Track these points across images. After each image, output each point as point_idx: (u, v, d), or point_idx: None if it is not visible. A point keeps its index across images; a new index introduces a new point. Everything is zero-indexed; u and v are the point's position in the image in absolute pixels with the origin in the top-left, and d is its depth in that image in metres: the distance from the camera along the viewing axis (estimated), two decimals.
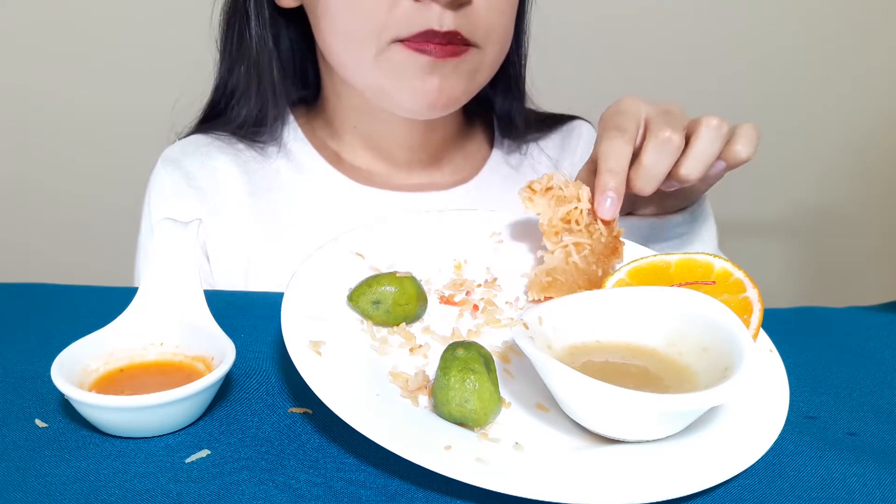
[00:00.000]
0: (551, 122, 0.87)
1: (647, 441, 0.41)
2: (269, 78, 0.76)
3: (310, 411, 0.44)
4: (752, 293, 0.47)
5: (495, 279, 0.54)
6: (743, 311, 0.46)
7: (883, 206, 1.63)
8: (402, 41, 0.65)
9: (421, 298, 0.49)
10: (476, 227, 0.57)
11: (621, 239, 0.55)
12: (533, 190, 0.54)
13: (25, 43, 1.40)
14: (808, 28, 1.52)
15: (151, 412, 0.40)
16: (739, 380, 0.39)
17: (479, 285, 0.54)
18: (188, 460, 0.40)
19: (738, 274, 0.48)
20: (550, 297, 0.51)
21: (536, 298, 0.52)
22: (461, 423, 0.41)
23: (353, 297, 0.48)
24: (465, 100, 0.71)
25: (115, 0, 1.38)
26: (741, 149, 0.57)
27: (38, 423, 0.42)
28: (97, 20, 1.39)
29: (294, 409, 0.44)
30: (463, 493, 0.37)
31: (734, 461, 0.39)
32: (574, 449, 0.41)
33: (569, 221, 0.53)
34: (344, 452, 0.41)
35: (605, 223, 0.54)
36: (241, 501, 0.37)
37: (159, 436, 0.41)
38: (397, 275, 0.48)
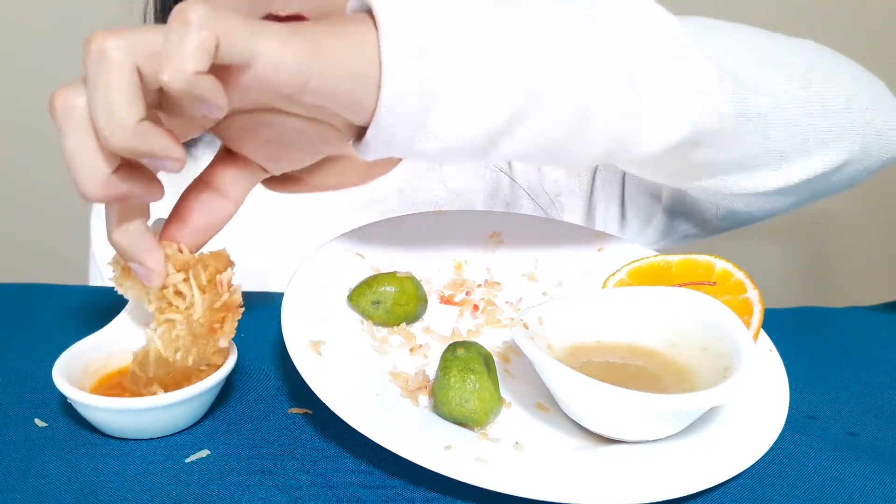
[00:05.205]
0: None
1: (647, 441, 0.41)
2: None
3: (310, 412, 0.44)
4: (753, 294, 0.47)
5: (496, 280, 0.54)
6: (743, 311, 0.46)
7: (883, 206, 1.63)
8: None
9: (421, 298, 0.49)
10: (476, 227, 0.57)
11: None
12: (123, 268, 0.42)
13: (25, 34, 1.40)
14: (806, 25, 1.52)
15: (152, 414, 0.40)
16: (739, 380, 0.39)
17: (479, 285, 0.54)
18: (188, 460, 0.40)
19: (739, 275, 0.48)
20: (131, 394, 0.42)
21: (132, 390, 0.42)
22: (461, 423, 0.41)
23: (353, 297, 0.48)
24: None
25: None
26: (163, 71, 0.33)
27: (38, 422, 0.42)
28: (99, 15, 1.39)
29: (294, 410, 0.44)
30: (463, 493, 0.37)
31: (734, 461, 0.39)
32: (574, 449, 0.41)
33: (168, 298, 0.41)
34: (344, 452, 0.41)
35: (208, 288, 0.41)
36: (241, 501, 0.37)
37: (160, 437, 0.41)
38: (397, 275, 0.48)
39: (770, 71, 0.48)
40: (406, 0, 0.39)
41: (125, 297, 0.42)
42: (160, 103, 0.37)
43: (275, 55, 0.35)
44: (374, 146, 0.41)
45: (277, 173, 0.45)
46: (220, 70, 0.35)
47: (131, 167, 0.37)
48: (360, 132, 0.43)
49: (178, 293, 0.41)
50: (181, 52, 0.33)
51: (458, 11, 0.40)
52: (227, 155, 0.44)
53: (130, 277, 0.42)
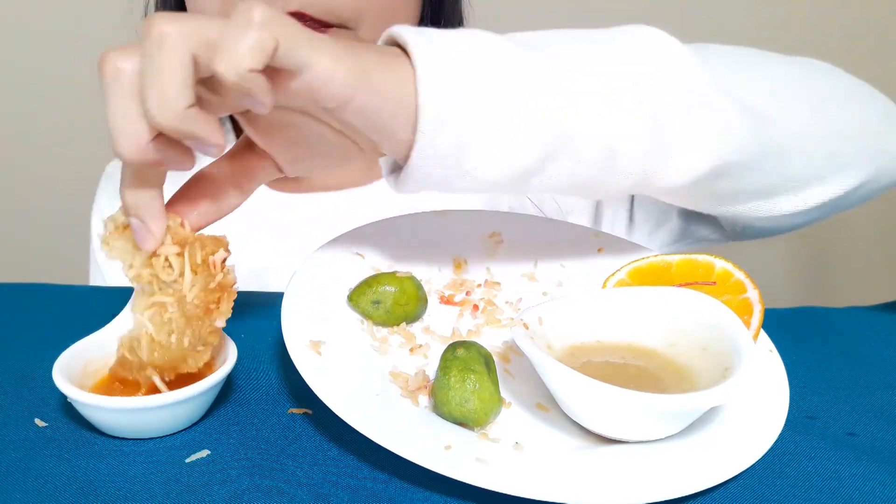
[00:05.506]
0: None
1: (647, 441, 0.41)
2: None
3: (310, 412, 0.44)
4: (753, 294, 0.47)
5: (496, 280, 0.54)
6: (743, 311, 0.46)
7: (883, 206, 1.63)
8: None
9: (421, 298, 0.49)
10: (476, 227, 0.57)
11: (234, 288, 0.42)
12: (117, 227, 0.41)
13: (25, 34, 1.40)
14: (805, 27, 1.52)
15: (152, 414, 0.40)
16: (739, 380, 0.39)
17: (479, 285, 0.54)
18: (188, 460, 0.40)
19: (739, 275, 0.48)
20: (125, 379, 0.42)
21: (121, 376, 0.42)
22: (461, 423, 0.41)
23: (353, 297, 0.48)
24: None
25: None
26: (219, 62, 0.34)
27: (38, 422, 0.42)
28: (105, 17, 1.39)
29: (294, 410, 0.44)
30: (463, 493, 0.37)
31: (734, 461, 0.39)
32: (574, 449, 0.41)
33: (156, 270, 0.40)
34: (344, 452, 0.41)
35: (201, 269, 0.41)
36: (241, 501, 0.37)
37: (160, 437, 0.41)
38: (397, 275, 0.48)
39: (786, 100, 0.49)
40: (440, 43, 0.40)
41: (108, 256, 0.41)
42: (205, 80, 0.38)
43: (327, 68, 0.37)
44: (411, 183, 0.43)
45: (292, 175, 0.46)
46: (272, 71, 0.36)
47: (169, 136, 0.38)
48: (385, 159, 0.45)
49: (169, 266, 0.40)
50: (240, 48, 0.34)
51: (489, 56, 0.41)
52: (246, 148, 0.45)
53: (122, 238, 0.41)
